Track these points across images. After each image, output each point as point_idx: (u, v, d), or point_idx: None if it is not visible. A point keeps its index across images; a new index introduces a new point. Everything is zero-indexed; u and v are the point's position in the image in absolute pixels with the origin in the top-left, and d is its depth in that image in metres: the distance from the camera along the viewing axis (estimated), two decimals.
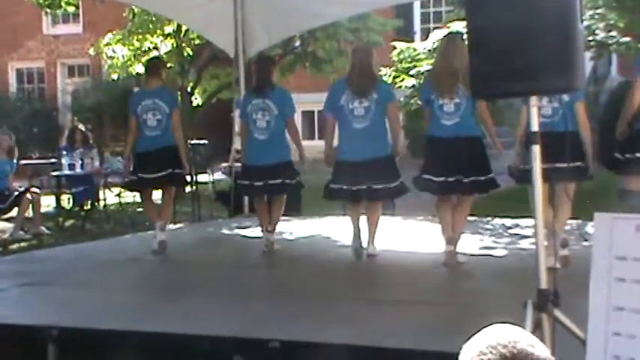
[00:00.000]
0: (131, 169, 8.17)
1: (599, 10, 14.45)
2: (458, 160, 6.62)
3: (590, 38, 13.88)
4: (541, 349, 1.84)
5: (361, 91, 7.12)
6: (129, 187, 8.63)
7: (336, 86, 7.54)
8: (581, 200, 6.47)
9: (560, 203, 6.33)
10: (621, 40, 14.88)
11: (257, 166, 7.70)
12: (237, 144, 9.28)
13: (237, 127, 9.33)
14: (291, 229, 8.81)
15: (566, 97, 6.27)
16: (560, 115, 6.33)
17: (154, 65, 8.45)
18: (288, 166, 7.72)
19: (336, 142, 7.47)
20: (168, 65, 8.39)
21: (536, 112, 3.84)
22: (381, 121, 7.17)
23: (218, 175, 14.16)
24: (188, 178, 8.46)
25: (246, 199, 10.39)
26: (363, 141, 7.09)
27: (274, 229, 7.87)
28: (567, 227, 6.78)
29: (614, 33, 14.91)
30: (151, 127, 7.89)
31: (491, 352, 1.80)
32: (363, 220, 7.35)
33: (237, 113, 10.96)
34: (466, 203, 6.90)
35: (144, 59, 15.36)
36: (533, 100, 3.81)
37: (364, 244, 7.30)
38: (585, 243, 6.99)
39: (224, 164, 14.47)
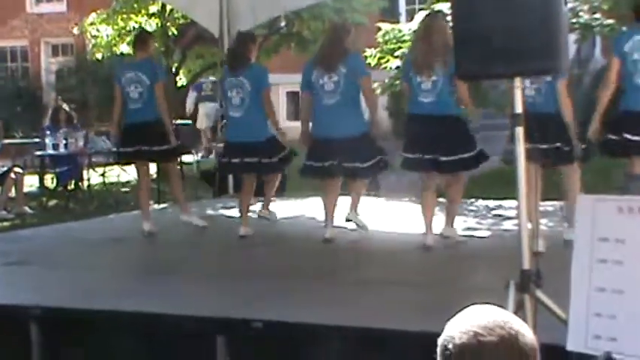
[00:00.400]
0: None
1: None
2: (434, 139, 6.59)
3: (574, 20, 13.85)
4: (527, 329, 1.86)
5: (328, 65, 7.06)
6: (115, 161, 8.68)
7: (308, 64, 7.51)
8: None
9: (568, 188, 6.34)
10: (605, 23, 14.88)
11: (234, 143, 7.68)
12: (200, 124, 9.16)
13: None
14: (275, 209, 8.79)
15: (548, 77, 6.19)
16: (543, 95, 6.29)
17: (141, 38, 8.43)
18: (267, 144, 7.56)
19: None
20: (152, 49, 8.30)
21: (520, 93, 3.84)
22: (352, 96, 7.09)
23: (202, 156, 14.14)
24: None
25: (230, 179, 10.38)
26: (335, 117, 7.04)
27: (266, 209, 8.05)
28: (550, 209, 6.80)
29: (598, 15, 14.92)
30: (133, 100, 7.85)
31: (490, 334, 1.79)
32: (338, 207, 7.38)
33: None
34: (455, 184, 6.89)
35: (128, 39, 15.31)
36: (517, 82, 3.82)
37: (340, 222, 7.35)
38: (567, 225, 7.01)
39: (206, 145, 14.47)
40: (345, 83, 7.02)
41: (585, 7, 14.53)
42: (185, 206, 8.28)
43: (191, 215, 8.25)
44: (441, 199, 7.26)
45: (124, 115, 8.04)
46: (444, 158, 6.60)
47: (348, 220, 7.47)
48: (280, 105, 18.40)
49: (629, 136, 6.23)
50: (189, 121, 14.89)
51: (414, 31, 14.57)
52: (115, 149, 11.24)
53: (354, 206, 7.47)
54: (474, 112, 6.89)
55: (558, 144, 6.23)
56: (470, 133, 6.76)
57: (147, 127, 7.79)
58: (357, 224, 7.56)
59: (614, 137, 6.34)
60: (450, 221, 7.00)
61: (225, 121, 10.46)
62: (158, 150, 7.86)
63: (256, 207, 8.35)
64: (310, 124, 7.34)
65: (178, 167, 11.31)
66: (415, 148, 6.72)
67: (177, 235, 8.09)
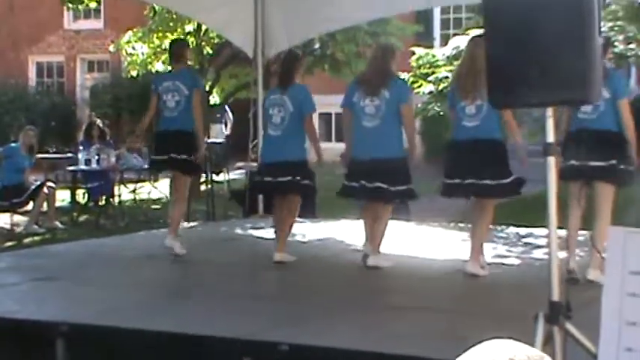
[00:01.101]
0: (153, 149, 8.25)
1: (618, 23, 14.40)
2: (474, 163, 6.58)
3: (610, 50, 13.80)
4: None
5: (371, 89, 7.05)
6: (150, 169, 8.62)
7: (351, 84, 7.53)
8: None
9: (598, 209, 6.26)
10: None
11: (269, 163, 7.62)
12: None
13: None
14: (305, 231, 8.80)
15: (607, 94, 6.06)
16: (600, 112, 6.22)
17: (177, 48, 8.41)
18: (301, 166, 7.49)
19: None
20: (188, 60, 8.34)
21: (552, 123, 3.82)
22: (393, 121, 7.05)
23: (233, 175, 14.19)
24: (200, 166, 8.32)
25: (260, 199, 10.40)
26: (373, 140, 7.02)
27: (285, 237, 7.57)
28: (581, 239, 6.72)
29: (633, 45, 14.85)
30: (169, 109, 7.87)
31: None
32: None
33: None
34: (485, 209, 6.83)
35: (163, 57, 15.43)
36: (549, 111, 3.80)
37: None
38: (599, 255, 6.93)
39: (240, 163, 14.52)
40: (386, 108, 7.01)
41: (620, 37, 14.47)
42: (175, 228, 7.93)
43: (175, 240, 7.83)
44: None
45: (158, 123, 8.09)
46: (483, 182, 6.57)
47: (368, 267, 7.11)
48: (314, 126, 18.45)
49: None
50: (222, 140, 14.96)
51: (451, 59, 14.64)
52: (146, 166, 11.26)
53: (375, 247, 7.16)
54: (519, 142, 6.77)
55: (613, 161, 6.17)
56: (507, 162, 6.71)
57: (180, 136, 7.81)
58: (381, 266, 7.22)
59: None
60: (474, 256, 6.76)
61: (255, 141, 10.53)
62: (186, 160, 7.83)
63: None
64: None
65: (209, 186, 11.41)
66: (455, 173, 6.71)
67: (205, 254, 8.09)
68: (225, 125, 15.96)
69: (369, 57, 7.48)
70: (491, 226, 7.44)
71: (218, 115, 17.18)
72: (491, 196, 6.76)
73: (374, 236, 7.16)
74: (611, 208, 6.28)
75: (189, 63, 8.19)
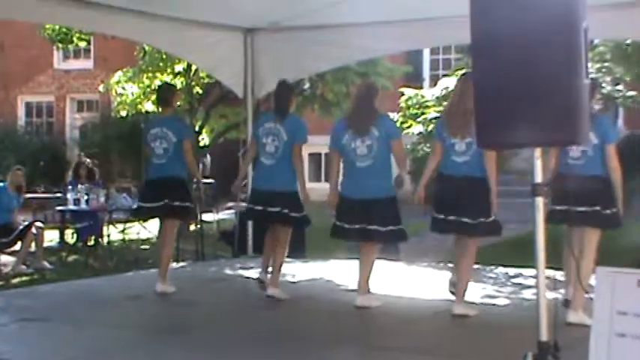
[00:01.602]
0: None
1: (606, 64, 14.56)
2: (463, 199, 6.61)
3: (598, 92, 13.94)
4: None
5: (360, 129, 7.06)
6: (133, 217, 8.62)
7: (337, 125, 7.51)
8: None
9: (583, 250, 6.29)
10: (627, 94, 14.97)
11: (260, 191, 7.64)
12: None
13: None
14: (294, 271, 8.77)
15: (595, 140, 6.17)
16: (588, 157, 6.30)
17: (165, 92, 8.44)
18: (292, 197, 7.50)
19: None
20: (177, 104, 8.35)
21: (540, 164, 3.85)
22: (385, 159, 7.07)
23: (223, 215, 14.18)
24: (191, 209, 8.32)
25: (250, 239, 10.38)
26: (366, 180, 7.03)
27: (276, 271, 7.63)
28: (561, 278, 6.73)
29: (620, 87, 15.00)
30: (158, 155, 7.90)
31: None
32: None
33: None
34: (469, 247, 6.84)
35: (153, 97, 15.49)
36: (537, 152, 3.83)
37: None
38: (587, 295, 6.95)
39: (229, 203, 14.52)
40: (378, 147, 7.03)
41: (608, 79, 14.62)
42: (164, 274, 7.96)
43: (165, 284, 7.90)
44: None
45: (148, 170, 8.12)
46: (466, 220, 6.59)
47: (358, 307, 7.11)
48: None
49: None
50: (211, 180, 14.97)
51: (440, 100, 14.73)
52: (135, 206, 11.37)
53: (364, 287, 7.16)
54: (494, 203, 6.72)
55: (598, 207, 6.23)
56: (489, 198, 6.73)
57: (170, 183, 7.83)
58: (371, 306, 7.21)
59: None
60: (460, 298, 6.79)
61: (245, 181, 10.54)
62: (179, 206, 7.87)
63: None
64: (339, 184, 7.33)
65: (199, 226, 11.38)
66: (443, 208, 6.74)
67: (194, 294, 8.06)
68: (203, 168, 16.11)
69: (353, 96, 7.51)
70: (479, 266, 7.46)
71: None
72: (474, 235, 6.77)
73: (362, 276, 7.15)
74: (596, 249, 6.32)
75: (177, 106, 8.16)
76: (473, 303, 6.90)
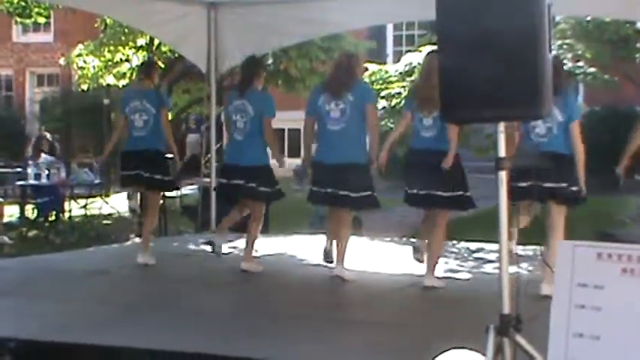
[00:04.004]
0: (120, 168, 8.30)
1: (567, 41, 14.67)
2: (433, 174, 6.66)
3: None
4: None
5: (335, 92, 7.09)
6: (121, 185, 8.82)
7: (314, 89, 7.65)
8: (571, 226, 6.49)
9: (551, 228, 6.38)
10: (588, 71, 15.10)
11: (232, 166, 7.72)
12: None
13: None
14: (257, 246, 8.76)
15: (559, 117, 6.27)
16: (553, 135, 6.36)
17: (146, 67, 8.68)
18: (263, 171, 7.57)
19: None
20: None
21: (503, 138, 3.87)
22: (358, 124, 7.08)
23: (186, 190, 14.11)
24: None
25: (213, 214, 10.37)
26: (339, 143, 7.06)
27: (250, 246, 7.74)
28: (531, 253, 6.82)
29: (581, 63, 15.13)
30: (137, 128, 7.99)
31: None
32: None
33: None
34: (439, 221, 6.89)
35: (115, 70, 15.33)
36: (501, 126, 3.86)
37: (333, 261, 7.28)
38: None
39: (193, 178, 14.46)
40: (351, 111, 7.04)
41: (569, 55, 14.72)
42: (147, 245, 8.11)
43: (147, 256, 8.05)
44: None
45: (126, 142, 8.17)
46: (440, 193, 6.64)
47: (336, 276, 7.20)
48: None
49: None
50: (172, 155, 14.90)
51: (404, 75, 14.75)
52: (97, 181, 11.28)
53: (340, 259, 7.21)
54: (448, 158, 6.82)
55: (564, 184, 6.30)
56: (464, 174, 6.80)
57: (149, 155, 7.92)
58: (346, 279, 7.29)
59: None
60: (430, 270, 6.88)
61: (208, 156, 10.53)
62: (159, 179, 7.98)
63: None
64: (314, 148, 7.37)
65: (162, 202, 11.34)
66: (415, 183, 6.79)
67: (157, 269, 8.04)
68: (202, 135, 15.92)
69: (334, 63, 7.55)
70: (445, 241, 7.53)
71: (193, 126, 17.07)
72: (445, 208, 6.84)
73: (338, 247, 7.21)
74: (564, 225, 6.40)
75: (155, 83, 8.21)
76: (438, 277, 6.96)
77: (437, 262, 6.92)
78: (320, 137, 7.29)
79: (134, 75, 13.44)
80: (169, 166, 8.20)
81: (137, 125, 7.97)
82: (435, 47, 7.64)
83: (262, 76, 7.90)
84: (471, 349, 1.64)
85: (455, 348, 1.68)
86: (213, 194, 9.84)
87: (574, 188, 6.34)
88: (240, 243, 8.26)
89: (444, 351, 1.69)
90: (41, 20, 14.36)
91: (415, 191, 6.82)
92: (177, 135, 17.45)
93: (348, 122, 7.05)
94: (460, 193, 6.75)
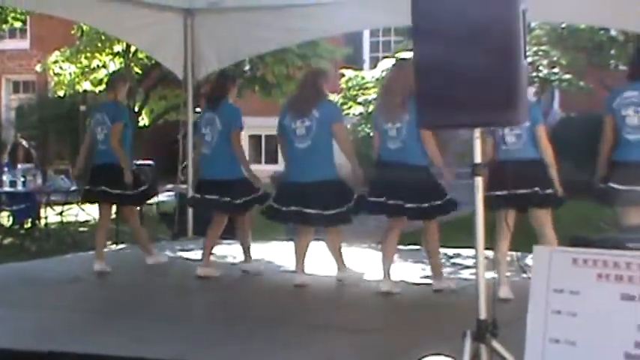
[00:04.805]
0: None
1: (542, 47, 14.77)
2: (400, 185, 6.66)
3: (534, 74, 14.16)
4: None
5: (299, 110, 7.09)
6: (81, 199, 9.03)
7: (283, 107, 7.63)
8: (528, 231, 6.55)
9: (541, 234, 6.45)
10: (563, 77, 15.22)
11: (205, 180, 7.76)
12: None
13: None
14: (235, 252, 8.75)
15: (527, 122, 6.34)
16: (524, 141, 6.43)
17: (110, 80, 8.83)
18: (238, 184, 7.55)
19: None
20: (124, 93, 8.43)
21: (479, 144, 3.90)
22: (324, 142, 7.06)
23: (162, 197, 14.06)
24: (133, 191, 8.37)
25: (190, 221, 10.34)
26: (305, 162, 7.04)
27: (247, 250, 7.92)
28: (508, 259, 6.85)
29: (556, 70, 15.25)
30: (100, 142, 8.04)
31: None
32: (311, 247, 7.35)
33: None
34: (428, 236, 6.94)
35: (91, 77, 15.27)
36: (477, 132, 3.88)
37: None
38: (524, 275, 7.08)
39: (169, 185, 14.42)
40: (317, 128, 7.03)
41: (545, 62, 14.83)
42: (149, 249, 8.42)
43: (156, 256, 8.42)
44: (405, 247, 7.29)
45: (94, 155, 8.18)
46: (409, 205, 6.65)
47: (339, 280, 7.31)
48: (244, 148, 18.47)
49: (615, 186, 6.42)
50: (151, 162, 14.82)
51: (380, 81, 14.80)
52: (73, 188, 11.24)
53: (339, 263, 7.34)
54: (447, 172, 6.87)
55: (537, 188, 6.36)
56: (436, 181, 6.82)
57: (111, 170, 7.89)
58: (351, 278, 7.41)
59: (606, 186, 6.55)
60: (437, 274, 7.01)
61: (185, 163, 10.51)
62: (121, 194, 7.95)
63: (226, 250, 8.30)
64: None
65: (137, 209, 11.27)
66: (380, 192, 6.78)
67: (133, 276, 8.02)
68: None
69: (300, 80, 7.59)
70: (419, 247, 7.57)
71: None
72: (418, 219, 6.87)
73: (335, 256, 7.32)
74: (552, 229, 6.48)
75: (119, 96, 8.16)
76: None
77: (440, 265, 7.09)
78: (288, 155, 7.27)
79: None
80: (135, 179, 8.07)
81: (99, 139, 8.02)
82: (405, 55, 7.72)
83: (234, 89, 7.92)
84: (447, 355, 1.65)
85: (432, 354, 1.68)
86: None
87: (547, 191, 6.42)
88: (217, 249, 8.25)
89: (421, 357, 1.69)
90: (17, 24, 14.28)
91: (384, 200, 6.76)
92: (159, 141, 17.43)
93: (315, 139, 7.03)
94: (433, 203, 6.73)
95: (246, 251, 8.01)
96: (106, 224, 8.46)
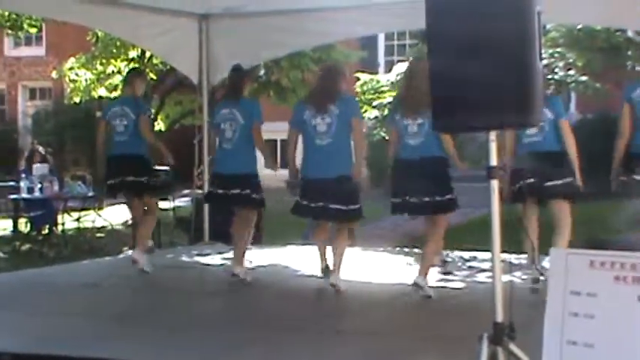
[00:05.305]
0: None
1: (558, 49, 14.70)
2: (418, 180, 6.65)
3: (550, 76, 14.10)
4: None
5: (319, 106, 7.05)
6: (107, 194, 9.05)
7: (298, 104, 7.63)
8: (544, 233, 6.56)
9: (559, 227, 6.51)
10: (579, 79, 15.14)
11: (221, 175, 7.72)
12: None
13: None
14: (251, 257, 8.76)
15: (549, 115, 6.43)
16: (545, 133, 6.48)
17: (129, 76, 8.87)
18: (251, 179, 7.57)
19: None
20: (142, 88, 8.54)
21: (495, 147, 3.89)
22: (345, 138, 7.06)
23: (179, 202, 14.10)
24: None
25: (206, 226, 10.35)
26: (326, 158, 7.02)
27: (240, 251, 7.71)
28: (524, 261, 6.84)
29: (572, 72, 15.17)
30: (119, 133, 8.11)
31: None
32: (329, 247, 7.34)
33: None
34: (436, 226, 6.91)
35: (107, 83, 15.33)
36: (492, 135, 3.87)
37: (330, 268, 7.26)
38: (541, 278, 7.04)
39: (185, 190, 14.46)
40: (338, 125, 7.02)
41: (560, 64, 14.76)
42: (142, 248, 8.21)
43: (142, 260, 8.12)
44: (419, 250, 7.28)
45: (110, 148, 8.25)
46: (427, 199, 6.66)
47: (331, 284, 7.18)
48: (258, 153, 18.48)
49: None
50: (167, 167, 14.89)
51: (395, 85, 14.78)
52: (90, 194, 11.27)
53: (337, 268, 7.17)
54: (460, 165, 6.91)
55: (561, 180, 6.42)
56: (449, 177, 6.82)
57: (131, 160, 7.99)
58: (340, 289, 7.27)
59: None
60: (423, 271, 6.86)
61: (201, 167, 10.54)
62: (143, 181, 8.02)
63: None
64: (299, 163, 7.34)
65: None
66: (401, 191, 6.79)
67: (151, 282, 8.03)
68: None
69: (318, 75, 7.56)
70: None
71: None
72: (438, 212, 6.85)
73: (336, 260, 7.17)
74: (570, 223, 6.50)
75: (138, 92, 8.25)
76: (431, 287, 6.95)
77: (432, 264, 6.96)
78: (307, 152, 7.23)
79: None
80: (152, 171, 8.26)
81: (118, 130, 8.09)
82: (417, 55, 7.71)
83: (249, 83, 7.98)
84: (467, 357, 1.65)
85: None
86: (207, 206, 9.84)
87: (569, 181, 6.45)
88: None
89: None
90: (33, 31, 14.37)
91: (400, 200, 6.80)
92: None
93: (335, 136, 7.02)
94: (447, 197, 6.75)
95: (240, 257, 7.76)
96: (153, 215, 8.42)
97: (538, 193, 6.44)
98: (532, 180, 6.41)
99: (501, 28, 3.67)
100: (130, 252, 9.08)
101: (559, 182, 6.46)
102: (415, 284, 6.75)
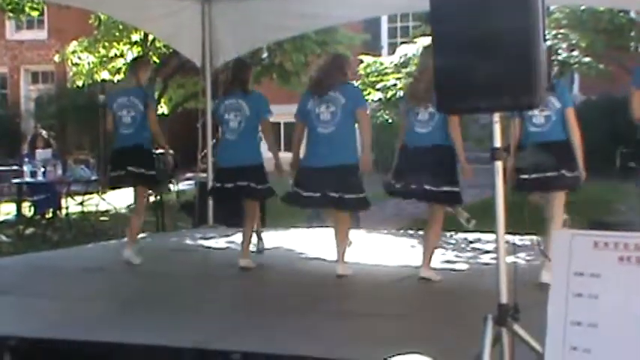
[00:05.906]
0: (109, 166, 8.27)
1: (562, 30, 14.67)
2: (424, 168, 6.64)
3: (553, 57, 14.07)
4: None
5: (321, 93, 7.03)
6: (109, 186, 8.94)
7: (304, 93, 7.54)
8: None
9: (553, 215, 6.46)
10: (583, 60, 15.12)
11: (227, 168, 7.62)
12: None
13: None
14: (254, 240, 8.78)
15: (557, 104, 6.39)
16: (552, 122, 6.44)
17: (133, 65, 8.71)
18: (257, 170, 7.50)
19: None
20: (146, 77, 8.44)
21: (499, 128, 3.88)
22: (348, 128, 7.04)
23: (182, 186, 14.13)
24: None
25: (210, 210, 10.37)
26: (328, 147, 6.98)
27: (246, 242, 7.67)
28: (527, 242, 6.84)
29: (576, 53, 15.15)
30: (125, 125, 7.91)
31: None
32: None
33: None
34: (435, 215, 6.92)
35: (110, 66, 15.32)
36: (496, 117, 3.86)
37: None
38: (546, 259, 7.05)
39: (189, 174, 14.47)
40: (342, 114, 6.99)
41: (564, 45, 14.73)
42: (132, 240, 8.03)
43: (132, 251, 7.91)
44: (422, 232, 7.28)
45: (115, 139, 8.12)
46: (428, 187, 6.63)
47: (338, 275, 7.11)
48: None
49: None
50: (170, 151, 14.90)
51: (399, 67, 14.77)
52: (93, 178, 11.26)
53: (340, 257, 7.12)
54: (465, 169, 6.82)
55: (563, 171, 6.39)
56: (456, 169, 6.79)
57: (138, 151, 7.88)
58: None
59: None
60: (427, 261, 6.86)
61: (205, 151, 10.54)
62: (148, 174, 7.92)
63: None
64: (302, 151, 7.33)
65: (157, 197, 11.32)
66: (404, 177, 6.77)
67: (156, 265, 8.04)
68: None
69: (322, 63, 7.53)
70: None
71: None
72: (434, 202, 6.84)
73: (337, 247, 7.14)
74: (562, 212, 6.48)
75: (142, 80, 8.13)
76: (435, 269, 6.96)
77: (433, 254, 6.92)
78: (310, 140, 7.20)
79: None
80: (155, 163, 8.10)
81: (125, 122, 7.90)
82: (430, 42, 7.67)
83: (251, 78, 7.93)
84: (421, 353, 1.63)
85: (408, 353, 1.66)
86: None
87: (575, 174, 6.43)
88: (238, 237, 8.26)
89: (397, 354, 1.68)
90: (34, 14, 14.33)
91: (401, 185, 6.77)
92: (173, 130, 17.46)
93: (339, 125, 6.99)
94: (452, 188, 6.72)
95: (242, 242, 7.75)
96: (142, 209, 8.28)
97: (543, 186, 6.40)
98: (537, 175, 6.35)
99: (505, 9, 3.66)
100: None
101: (564, 174, 6.40)
102: (423, 279, 6.76)
